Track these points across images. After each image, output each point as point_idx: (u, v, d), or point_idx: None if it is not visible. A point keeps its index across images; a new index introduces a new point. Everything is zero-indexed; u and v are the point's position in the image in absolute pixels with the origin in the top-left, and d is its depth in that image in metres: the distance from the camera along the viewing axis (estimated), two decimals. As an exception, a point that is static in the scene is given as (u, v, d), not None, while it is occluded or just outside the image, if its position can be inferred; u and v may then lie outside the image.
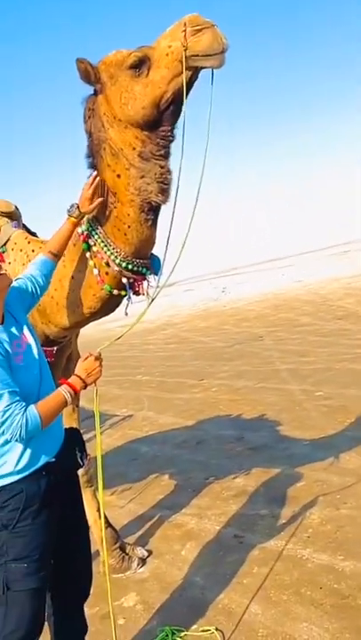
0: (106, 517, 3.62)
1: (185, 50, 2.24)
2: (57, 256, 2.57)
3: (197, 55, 2.26)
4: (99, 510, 3.51)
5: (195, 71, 2.33)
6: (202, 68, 2.32)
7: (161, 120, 2.42)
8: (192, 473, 4.84)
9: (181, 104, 2.38)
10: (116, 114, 2.44)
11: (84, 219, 2.61)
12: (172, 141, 2.49)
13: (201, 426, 6.25)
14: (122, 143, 2.46)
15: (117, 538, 3.57)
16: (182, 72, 2.28)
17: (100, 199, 2.53)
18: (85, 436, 2.53)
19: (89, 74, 2.43)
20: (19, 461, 2.08)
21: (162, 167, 2.48)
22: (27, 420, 1.96)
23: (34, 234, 3.25)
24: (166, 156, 2.49)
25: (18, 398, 1.98)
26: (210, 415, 6.59)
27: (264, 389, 7.22)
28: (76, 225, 2.58)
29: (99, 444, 2.33)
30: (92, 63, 2.44)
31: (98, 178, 2.51)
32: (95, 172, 2.53)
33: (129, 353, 12.96)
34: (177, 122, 2.47)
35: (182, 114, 2.42)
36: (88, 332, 3.47)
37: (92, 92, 2.55)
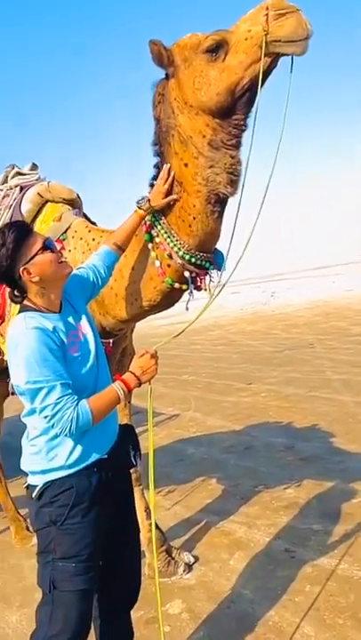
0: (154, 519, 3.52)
1: (266, 34, 2.10)
2: (121, 249, 2.49)
3: (279, 41, 2.11)
4: (147, 510, 3.41)
5: (274, 58, 2.19)
6: (282, 54, 2.18)
7: (235, 108, 2.29)
8: (240, 479, 4.68)
9: (257, 92, 2.24)
10: (187, 99, 2.33)
11: None
12: (244, 131, 2.36)
13: (249, 431, 6.08)
14: (191, 130, 2.35)
15: (164, 540, 3.45)
16: (261, 58, 2.14)
17: (174, 196, 2.43)
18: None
19: (162, 56, 2.33)
20: (69, 456, 1.98)
21: (232, 157, 2.35)
22: (78, 414, 1.87)
23: (94, 223, 3.17)
24: (237, 146, 2.37)
25: (70, 391, 1.89)
26: (259, 421, 6.40)
27: (315, 398, 6.98)
28: (143, 218, 2.48)
29: (151, 443, 2.20)
30: (165, 45, 2.33)
31: (173, 172, 2.41)
32: (169, 165, 2.42)
33: (175, 352, 12.87)
34: (251, 110, 2.33)
35: (256, 102, 2.28)
36: (137, 328, 3.37)
37: (163, 77, 2.45)
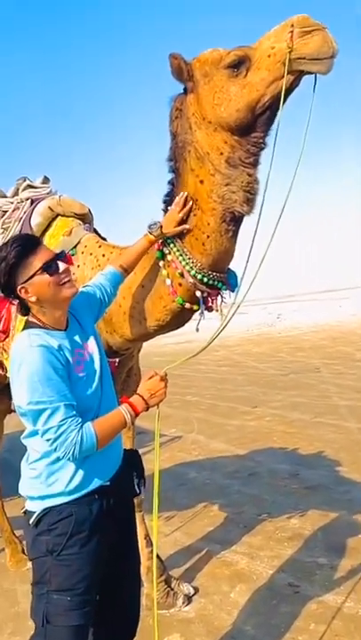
0: (153, 546, 3.40)
1: (290, 52, 2.05)
2: (127, 271, 2.42)
3: (304, 58, 2.07)
4: (146, 538, 3.30)
5: (297, 76, 2.14)
6: (306, 73, 2.13)
7: (254, 125, 2.24)
8: (244, 507, 4.54)
9: (278, 110, 2.20)
10: (206, 115, 2.27)
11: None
12: (263, 149, 2.30)
13: (253, 456, 5.94)
14: (209, 147, 2.29)
15: (163, 570, 3.32)
16: (284, 75, 2.09)
17: (187, 226, 2.36)
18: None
19: (182, 70, 2.28)
20: (70, 482, 1.89)
21: (249, 175, 2.29)
22: (82, 437, 1.78)
23: (104, 238, 3.10)
24: (255, 164, 2.31)
25: (74, 413, 1.80)
26: (263, 446, 6.27)
27: (321, 424, 6.84)
28: (153, 244, 2.41)
29: (156, 470, 2.10)
30: (185, 59, 2.28)
31: (191, 202, 2.34)
32: (186, 193, 2.36)
33: (179, 372, 12.71)
34: (270, 129, 2.27)
35: (277, 121, 2.22)
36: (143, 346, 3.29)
37: (182, 92, 2.40)
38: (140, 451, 2.25)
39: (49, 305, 1.93)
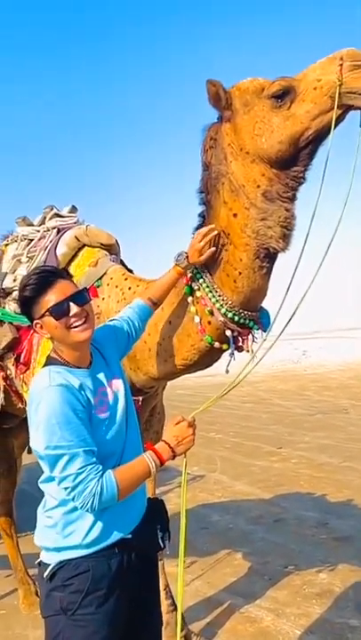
0: (173, 598, 3.20)
1: (340, 85, 1.98)
2: (156, 304, 2.31)
3: (354, 92, 1.99)
4: (166, 589, 3.11)
5: (344, 110, 2.06)
6: (355, 108, 2.05)
7: (295, 159, 2.15)
8: (269, 557, 4.30)
9: (320, 144, 2.13)
10: (244, 145, 2.18)
11: None
12: (302, 184, 2.21)
13: (279, 501, 5.68)
14: (245, 179, 2.19)
15: (183, 624, 3.11)
16: (331, 109, 2.02)
17: (213, 249, 2.25)
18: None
19: (220, 98, 2.20)
20: (88, 533, 1.74)
21: (287, 210, 2.18)
22: (102, 488, 1.64)
23: (130, 270, 3.01)
24: (293, 199, 2.20)
25: (94, 460, 1.66)
26: (289, 490, 6.01)
27: (350, 470, 6.55)
28: (182, 275, 2.31)
29: (183, 527, 1.93)
30: (224, 87, 2.20)
31: (215, 231, 2.25)
32: (212, 225, 2.26)
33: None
34: (311, 164, 2.19)
35: (327, 154, 2.12)
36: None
37: (216, 121, 2.32)
38: (160, 489, 2.09)
39: (63, 345, 1.83)
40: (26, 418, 3.02)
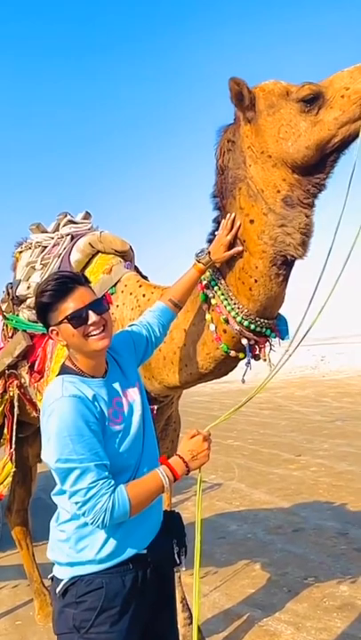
0: (190, 611, 3.13)
1: None
2: (177, 306, 2.23)
3: None
4: (183, 601, 3.05)
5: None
6: None
7: (320, 165, 2.11)
8: (288, 568, 4.21)
9: (343, 152, 2.11)
10: (266, 148, 2.13)
11: None
12: (322, 191, 2.17)
13: (298, 510, 5.58)
14: (264, 183, 2.14)
15: (202, 638, 3.04)
16: (359, 118, 2.01)
17: (239, 248, 2.19)
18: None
19: (243, 98, 2.14)
20: (102, 549, 1.69)
21: (307, 217, 2.13)
22: (113, 504, 1.59)
23: (145, 277, 2.97)
24: (312, 206, 2.16)
25: (106, 474, 1.62)
26: (308, 499, 5.91)
27: (371, 478, 6.43)
28: (203, 272, 2.24)
29: (198, 544, 1.87)
30: (248, 86, 2.15)
31: (239, 223, 2.18)
32: (234, 215, 2.20)
33: (220, 413, 12.38)
34: (333, 172, 2.15)
35: (353, 162, 2.06)
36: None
37: (232, 123, 2.27)
38: (176, 498, 2.04)
39: (78, 354, 1.78)
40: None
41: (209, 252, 2.21)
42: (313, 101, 2.05)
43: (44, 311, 1.78)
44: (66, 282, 1.78)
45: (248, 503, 6.04)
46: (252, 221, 2.18)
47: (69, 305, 1.73)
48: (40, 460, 4.27)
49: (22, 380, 3.36)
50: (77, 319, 1.72)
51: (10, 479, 3.76)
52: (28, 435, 4.00)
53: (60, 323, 1.74)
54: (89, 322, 1.74)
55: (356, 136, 2.02)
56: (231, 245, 2.20)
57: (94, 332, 1.74)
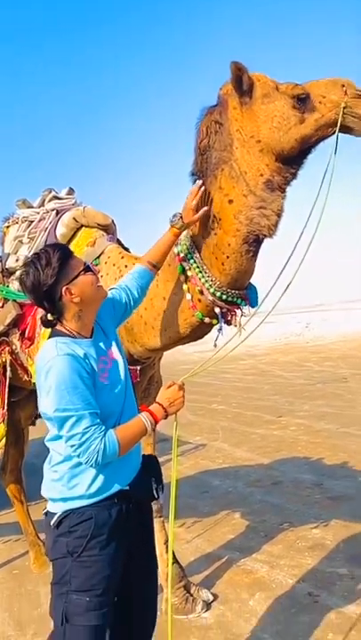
0: (173, 552, 3.44)
1: (344, 107, 2.23)
2: (155, 267, 2.46)
3: (354, 116, 2.26)
4: (166, 543, 3.34)
5: (335, 130, 2.29)
6: (345, 129, 2.29)
7: (298, 158, 2.35)
8: (266, 515, 4.55)
9: (308, 154, 2.37)
10: (257, 134, 2.31)
11: (183, 239, 2.49)
12: (294, 179, 2.40)
13: (277, 465, 5.93)
14: (248, 166, 2.32)
15: (183, 576, 3.36)
16: (333, 125, 2.28)
17: (206, 208, 2.39)
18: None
19: (241, 82, 2.30)
20: (91, 485, 1.95)
21: (283, 200, 2.35)
22: (105, 445, 1.85)
23: (127, 249, 3.18)
24: (286, 192, 2.38)
25: (98, 421, 1.87)
26: (287, 455, 6.26)
27: (347, 435, 6.79)
28: (178, 236, 2.45)
29: (174, 477, 2.15)
30: (249, 72, 2.31)
31: (203, 187, 2.39)
32: (201, 181, 2.40)
33: (206, 380, 12.76)
34: (304, 165, 2.39)
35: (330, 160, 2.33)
36: (166, 353, 3.34)
37: (217, 105, 2.42)
38: (163, 458, 2.31)
39: (88, 307, 2.02)
40: (32, 391, 3.22)
41: (181, 217, 2.41)
42: (304, 100, 2.27)
43: (59, 273, 1.96)
44: (66, 246, 2.14)
45: (230, 461, 6.39)
46: (230, 201, 2.34)
47: (79, 262, 2.03)
48: (32, 423, 4.55)
49: (14, 347, 3.58)
50: (90, 270, 2.03)
51: (4, 440, 4.02)
52: (19, 399, 4.24)
53: (77, 276, 1.98)
54: (95, 273, 2.06)
55: (327, 137, 2.30)
56: (198, 209, 2.39)
57: (99, 283, 2.05)
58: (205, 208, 2.39)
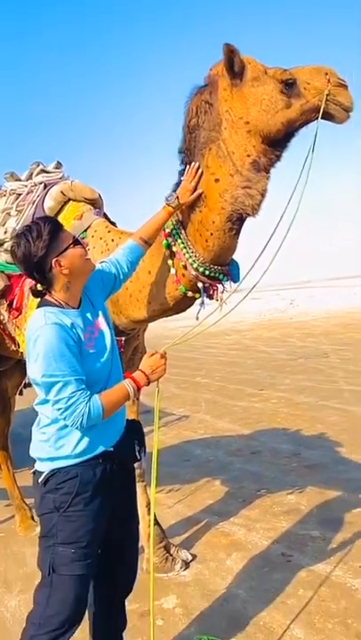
0: (154, 515, 3.60)
1: (328, 95, 2.33)
2: (147, 243, 2.53)
3: (335, 104, 2.36)
4: (148, 506, 3.49)
5: (318, 116, 2.39)
6: (328, 115, 2.39)
7: (283, 141, 2.44)
8: (244, 482, 4.74)
9: (292, 137, 2.47)
10: (246, 115, 2.38)
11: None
12: (278, 162, 2.49)
13: (257, 436, 6.13)
14: (235, 146, 2.41)
15: (163, 537, 3.53)
16: (315, 111, 2.37)
17: (201, 190, 2.48)
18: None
19: (233, 64, 2.37)
20: (77, 446, 2.07)
21: (267, 181, 2.44)
22: (89, 409, 1.96)
23: (113, 223, 3.26)
24: (270, 174, 2.47)
25: (83, 386, 1.98)
26: (267, 427, 6.46)
27: (325, 408, 7.01)
28: (172, 215, 2.54)
29: (156, 441, 2.29)
30: (240, 55, 2.38)
31: (201, 170, 2.47)
32: (197, 163, 2.48)
33: (190, 354, 12.96)
34: (288, 147, 2.49)
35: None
36: (152, 328, 3.46)
37: (207, 85, 2.49)
38: (147, 429, 2.43)
39: (76, 278, 2.10)
40: (19, 360, 3.30)
41: (177, 197, 2.50)
42: (291, 86, 2.36)
43: (49, 245, 2.03)
44: (55, 219, 2.21)
45: (212, 431, 6.57)
46: (217, 180, 2.43)
47: (68, 235, 2.11)
48: (19, 392, 4.66)
49: (1, 317, 3.66)
50: (79, 243, 2.12)
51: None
52: (6, 369, 4.35)
53: (67, 248, 2.06)
54: (84, 246, 2.14)
55: (311, 122, 2.40)
56: (194, 190, 2.48)
57: (88, 256, 2.14)
58: (201, 191, 2.47)
